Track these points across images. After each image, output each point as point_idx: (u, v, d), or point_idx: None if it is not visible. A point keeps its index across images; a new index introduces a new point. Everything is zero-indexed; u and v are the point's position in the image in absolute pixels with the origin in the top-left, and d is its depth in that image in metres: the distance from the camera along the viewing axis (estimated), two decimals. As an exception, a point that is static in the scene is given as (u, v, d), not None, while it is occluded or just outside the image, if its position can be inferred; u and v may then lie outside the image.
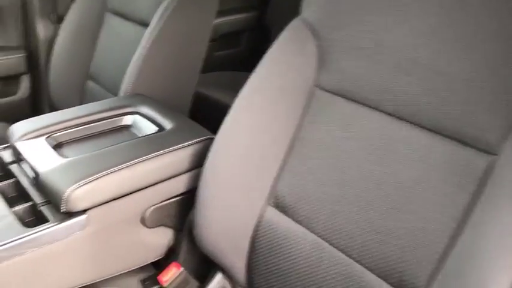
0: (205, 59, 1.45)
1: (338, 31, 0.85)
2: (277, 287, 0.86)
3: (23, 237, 0.79)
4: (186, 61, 1.33)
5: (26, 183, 0.94)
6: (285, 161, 0.88)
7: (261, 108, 0.89)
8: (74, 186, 0.82)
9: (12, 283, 0.79)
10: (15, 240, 0.79)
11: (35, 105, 1.76)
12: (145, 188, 0.91)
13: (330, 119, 0.84)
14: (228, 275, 0.99)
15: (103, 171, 0.86)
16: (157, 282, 0.97)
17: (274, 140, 0.88)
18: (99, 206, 0.86)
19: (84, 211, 0.85)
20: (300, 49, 0.87)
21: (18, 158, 0.97)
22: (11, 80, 1.70)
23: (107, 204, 0.87)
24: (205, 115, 1.77)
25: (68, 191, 0.82)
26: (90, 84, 1.52)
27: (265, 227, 0.88)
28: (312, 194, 0.83)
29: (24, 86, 1.72)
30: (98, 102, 1.15)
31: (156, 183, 0.93)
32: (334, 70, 0.85)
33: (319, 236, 0.81)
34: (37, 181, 0.88)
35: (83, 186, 0.83)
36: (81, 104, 1.54)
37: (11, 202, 0.96)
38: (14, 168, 0.99)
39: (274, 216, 0.87)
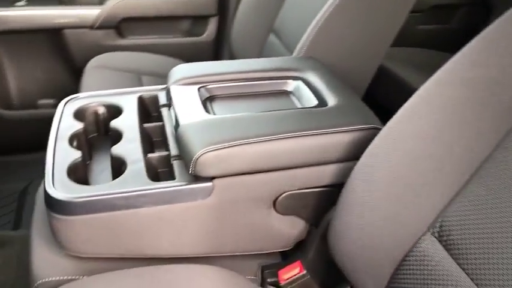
0: (405, 31, 1.22)
1: None
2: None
3: (144, 190, 0.73)
4: (377, 30, 1.12)
5: (168, 130, 0.88)
6: (467, 182, 0.65)
7: (452, 105, 0.66)
8: (205, 149, 0.72)
9: (122, 233, 0.74)
10: (136, 191, 0.73)
11: (217, 50, 1.74)
12: (285, 169, 0.77)
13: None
14: (358, 297, 0.82)
15: (242, 140, 0.74)
16: (277, 275, 0.85)
17: (461, 151, 0.65)
18: (229, 177, 0.75)
19: (211, 178, 0.75)
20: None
21: (169, 102, 0.91)
22: (200, 20, 1.70)
23: (238, 177, 0.76)
24: (387, 94, 1.55)
25: (198, 153, 0.72)
26: (272, 38, 1.42)
27: (418, 259, 0.68)
28: (493, 239, 0.59)
29: (211, 28, 1.70)
30: (266, 59, 1.03)
31: (298, 167, 0.78)
32: None
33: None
34: (176, 132, 0.81)
35: (215, 152, 0.72)
36: (259, 56, 1.47)
37: (153, 146, 0.92)
38: (164, 111, 0.94)
39: (432, 248, 0.66)
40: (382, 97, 1.58)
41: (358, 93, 1.23)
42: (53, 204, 0.71)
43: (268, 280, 0.86)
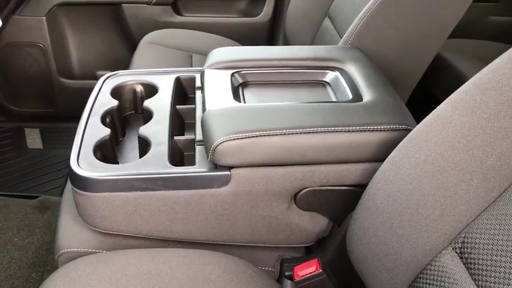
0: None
1: None
2: None
3: (162, 173, 0.74)
4: (433, 20, 1.04)
5: (198, 114, 0.88)
6: (496, 198, 0.59)
7: (490, 113, 0.61)
8: (225, 138, 0.71)
9: (139, 213, 0.75)
10: (153, 174, 0.74)
11: (271, 32, 1.71)
12: (307, 165, 0.75)
13: None
14: (374, 303, 0.78)
15: (264, 131, 0.72)
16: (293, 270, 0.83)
17: (493, 165, 0.60)
18: (248, 168, 0.74)
19: (230, 168, 0.74)
20: None
21: (202, 86, 0.91)
22: (258, 1, 1.67)
23: (258, 168, 0.74)
24: (445, 87, 1.46)
25: (217, 142, 0.71)
26: (326, 23, 1.37)
27: (436, 274, 0.64)
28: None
29: (267, 9, 1.67)
30: (307, 47, 1.00)
31: (321, 164, 0.75)
32: None
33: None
34: (202, 117, 0.80)
35: (234, 141, 0.71)
36: (312, 40, 1.42)
37: (184, 128, 0.93)
38: (198, 94, 0.94)
39: (452, 264, 0.62)
40: (440, 90, 1.49)
41: (409, 85, 1.16)
42: (75, 179, 0.74)
43: (286, 273, 0.85)
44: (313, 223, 0.82)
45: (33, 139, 1.62)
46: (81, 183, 0.73)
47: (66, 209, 0.84)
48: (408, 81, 1.13)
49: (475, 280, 0.58)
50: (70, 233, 0.80)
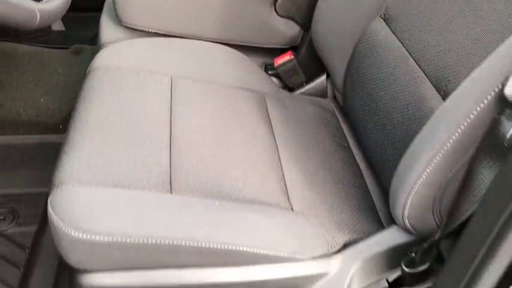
0: None
1: None
2: (359, 94, 0.92)
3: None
4: None
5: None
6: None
7: None
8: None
9: (158, 8, 1.04)
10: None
11: None
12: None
13: None
14: (331, 81, 1.09)
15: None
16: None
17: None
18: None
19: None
20: None
21: None
22: None
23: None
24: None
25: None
26: None
27: (368, 35, 0.93)
28: (415, 10, 0.84)
29: None
30: None
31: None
32: None
33: (406, 47, 0.83)
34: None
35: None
36: None
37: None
38: None
39: (378, 25, 0.91)
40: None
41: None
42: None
43: (270, 72, 1.15)
44: (288, 27, 1.12)
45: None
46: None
47: (106, 18, 1.12)
48: None
49: (391, 29, 0.87)
50: (110, 30, 1.09)
